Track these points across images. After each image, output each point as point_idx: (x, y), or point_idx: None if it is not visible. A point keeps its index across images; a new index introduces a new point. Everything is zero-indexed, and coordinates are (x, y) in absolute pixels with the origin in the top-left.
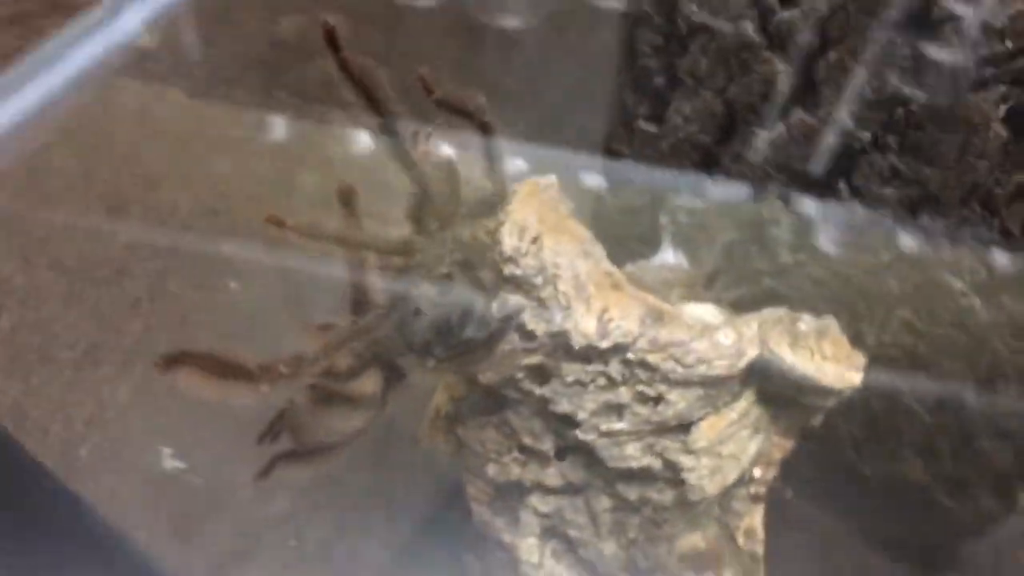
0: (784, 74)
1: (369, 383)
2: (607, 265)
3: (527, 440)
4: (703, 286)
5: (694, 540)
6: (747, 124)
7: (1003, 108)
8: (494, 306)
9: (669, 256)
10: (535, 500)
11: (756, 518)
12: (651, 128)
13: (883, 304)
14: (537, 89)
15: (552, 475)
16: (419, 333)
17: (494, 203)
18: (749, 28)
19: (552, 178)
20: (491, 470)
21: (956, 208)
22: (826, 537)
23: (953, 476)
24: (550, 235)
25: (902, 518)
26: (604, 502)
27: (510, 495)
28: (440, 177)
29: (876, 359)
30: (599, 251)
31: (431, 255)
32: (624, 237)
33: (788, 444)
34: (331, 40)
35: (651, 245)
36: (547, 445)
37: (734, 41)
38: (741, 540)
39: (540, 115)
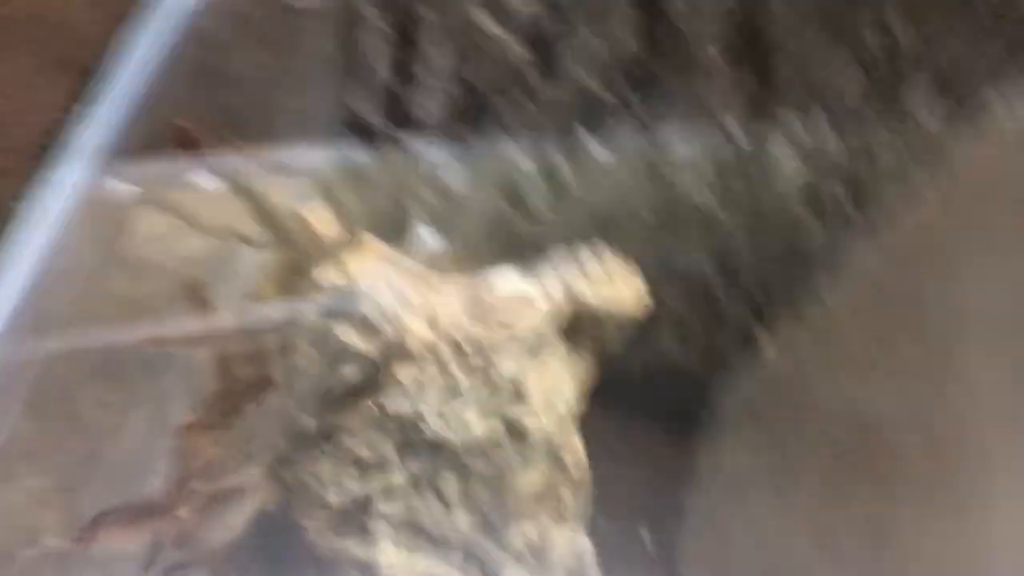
0: (522, 53)
1: (254, 466)
2: (409, 263)
3: (364, 454)
4: (469, 259)
5: (533, 480)
6: (491, 104)
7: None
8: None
9: (426, 241)
10: (382, 506)
11: (576, 440)
12: (388, 126)
13: (635, 226)
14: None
15: (397, 476)
16: (309, 396)
17: (344, 245)
18: (483, 16)
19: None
20: (331, 497)
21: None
22: (608, 428)
23: (705, 346)
24: (349, 255)
25: (667, 395)
26: (451, 480)
27: (355, 513)
28: (295, 234)
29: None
30: (396, 254)
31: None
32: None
33: (594, 370)
34: (182, 140)
35: (404, 236)
36: (388, 451)
37: (470, 30)
38: (569, 462)
39: (260, 133)
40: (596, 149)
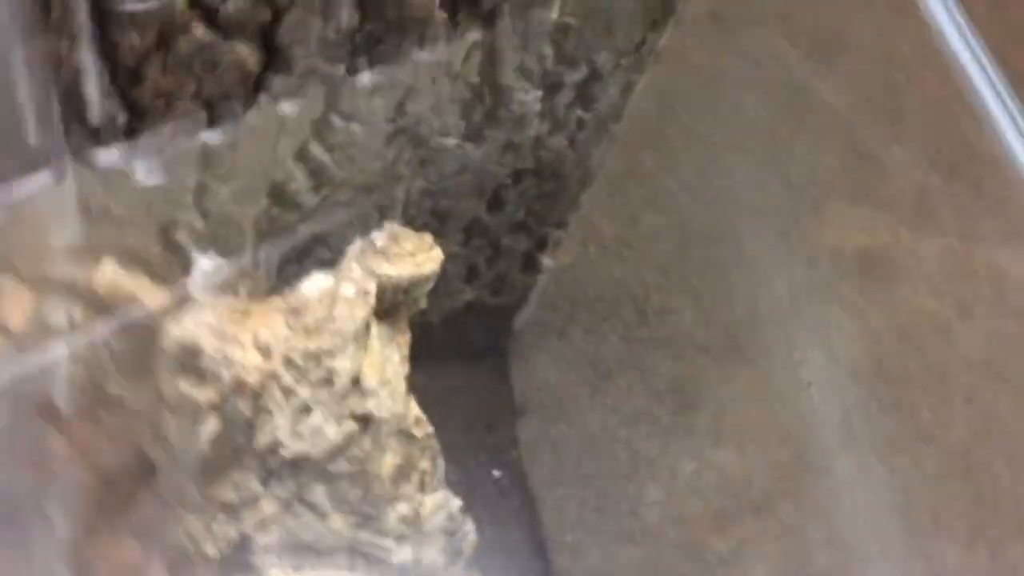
0: (250, 54)
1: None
2: (222, 302)
3: (231, 497)
4: (254, 268)
5: (392, 462)
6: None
7: None
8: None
9: (206, 268)
10: (261, 539)
11: (415, 408)
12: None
13: (401, 187)
14: None
15: (267, 506)
16: (192, 463)
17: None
18: (199, 28)
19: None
20: (208, 549)
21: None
22: (426, 379)
23: (492, 279)
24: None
25: (469, 334)
26: (319, 490)
27: (237, 555)
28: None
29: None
30: (197, 291)
31: None
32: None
33: (409, 336)
34: None
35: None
36: (253, 486)
37: (195, 44)
38: (416, 432)
39: None
40: (337, 122)
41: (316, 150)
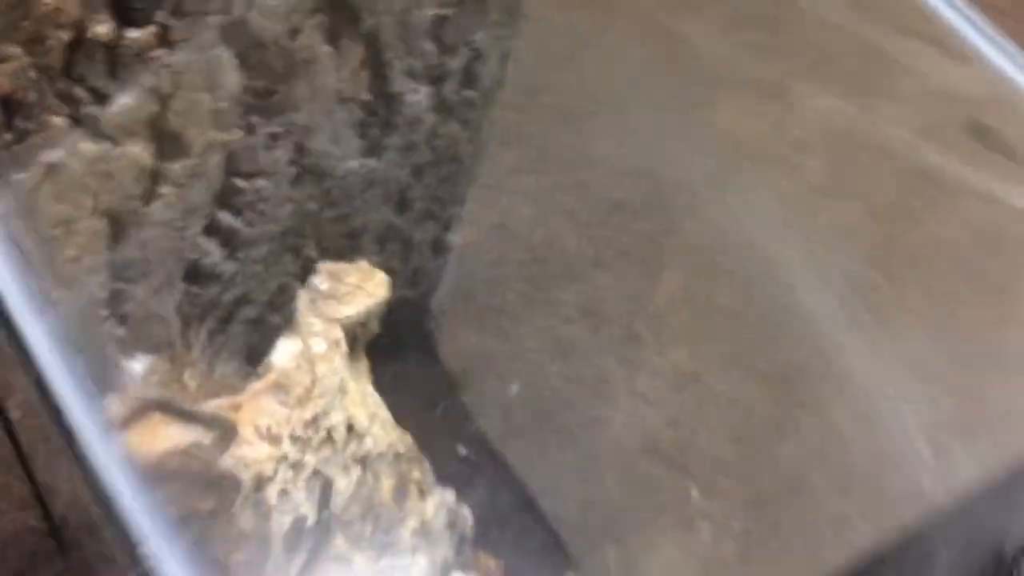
0: (143, 151)
1: None
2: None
3: None
4: (188, 352)
5: (389, 485)
6: None
7: None
8: None
9: (139, 368)
10: None
11: (396, 426)
12: None
13: (315, 225)
14: None
15: None
16: None
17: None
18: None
19: None
20: None
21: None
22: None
23: (410, 274)
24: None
25: (395, 331)
26: (340, 541)
27: None
28: None
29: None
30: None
31: None
32: None
33: (368, 361)
34: None
35: None
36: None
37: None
38: (401, 447)
39: None
40: (241, 184)
41: (224, 218)
